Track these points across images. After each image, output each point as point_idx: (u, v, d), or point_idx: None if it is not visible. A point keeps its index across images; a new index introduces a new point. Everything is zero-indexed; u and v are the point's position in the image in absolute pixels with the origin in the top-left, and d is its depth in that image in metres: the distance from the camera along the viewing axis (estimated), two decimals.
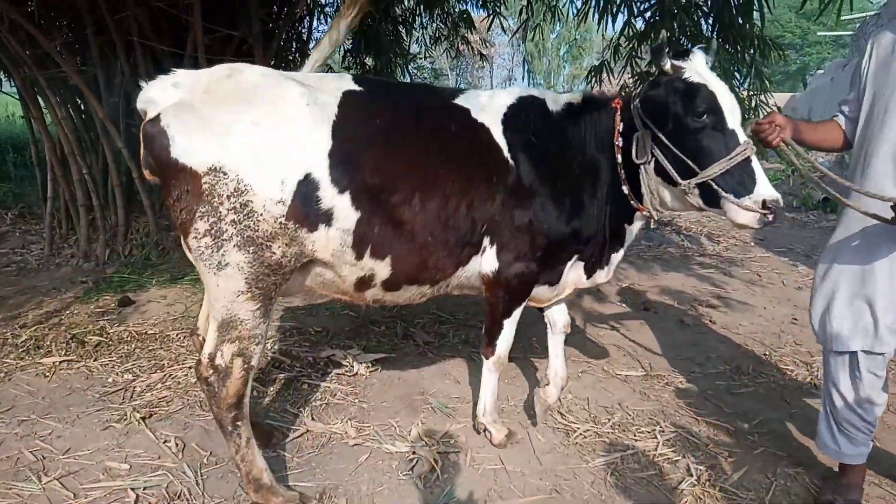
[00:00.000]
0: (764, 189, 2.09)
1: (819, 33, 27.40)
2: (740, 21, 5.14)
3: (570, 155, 2.45)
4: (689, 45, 5.21)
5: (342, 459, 2.63)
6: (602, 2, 5.38)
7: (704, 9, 5.22)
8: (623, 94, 2.58)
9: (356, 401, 3.15)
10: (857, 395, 2.29)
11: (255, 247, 2.06)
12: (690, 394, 3.34)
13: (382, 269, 2.31)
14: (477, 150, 2.37)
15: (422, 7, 7.73)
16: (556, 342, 2.98)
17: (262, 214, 2.04)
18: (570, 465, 2.64)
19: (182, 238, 2.12)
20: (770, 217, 2.07)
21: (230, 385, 2.15)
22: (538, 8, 6.97)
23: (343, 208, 2.15)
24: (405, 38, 8.65)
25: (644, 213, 2.44)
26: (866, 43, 2.32)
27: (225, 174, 2.00)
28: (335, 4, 7.79)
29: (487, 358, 2.71)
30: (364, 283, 2.34)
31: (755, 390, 3.40)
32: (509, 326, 2.64)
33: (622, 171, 2.40)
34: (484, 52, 10.68)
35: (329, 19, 8.22)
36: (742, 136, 2.16)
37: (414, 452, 2.65)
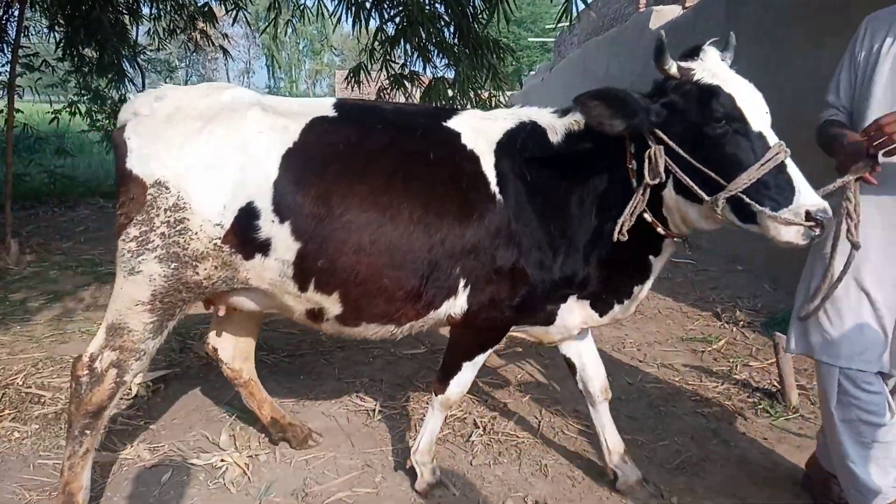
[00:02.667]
0: (806, 197, 1.75)
1: (529, 39, 31.54)
2: (477, 28, 5.80)
3: (569, 188, 2.13)
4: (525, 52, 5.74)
5: (142, 483, 2.47)
6: (353, 6, 5.62)
7: (446, 18, 5.76)
8: None
9: (142, 423, 2.94)
10: None
11: (177, 263, 2.04)
12: None
13: (332, 305, 2.17)
14: (456, 182, 2.12)
15: None
16: (600, 413, 2.55)
17: (196, 234, 2.03)
18: (377, 440, 2.85)
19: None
20: (817, 231, 1.73)
21: (97, 393, 2.11)
22: (285, 5, 6.97)
23: (282, 239, 2.06)
24: (130, 28, 7.95)
25: (675, 238, 2.09)
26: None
27: (167, 189, 2.02)
28: None
29: (436, 395, 2.42)
30: (315, 315, 2.23)
31: (514, 351, 3.98)
32: (468, 370, 2.37)
33: (642, 197, 1.99)
34: (224, 47, 10.20)
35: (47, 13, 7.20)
36: (773, 138, 1.82)
37: (222, 460, 2.60)
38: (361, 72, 6.20)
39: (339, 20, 5.67)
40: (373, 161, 2.12)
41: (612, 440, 2.55)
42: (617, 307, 2.28)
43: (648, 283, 2.24)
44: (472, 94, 5.73)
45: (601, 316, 2.30)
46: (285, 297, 2.18)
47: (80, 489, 2.15)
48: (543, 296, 2.19)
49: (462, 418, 3.07)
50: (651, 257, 2.17)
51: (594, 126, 1.92)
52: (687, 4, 9.50)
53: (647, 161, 1.91)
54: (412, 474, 2.51)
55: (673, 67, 1.90)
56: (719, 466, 2.73)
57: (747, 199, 1.76)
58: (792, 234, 1.75)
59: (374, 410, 3.12)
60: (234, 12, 7.11)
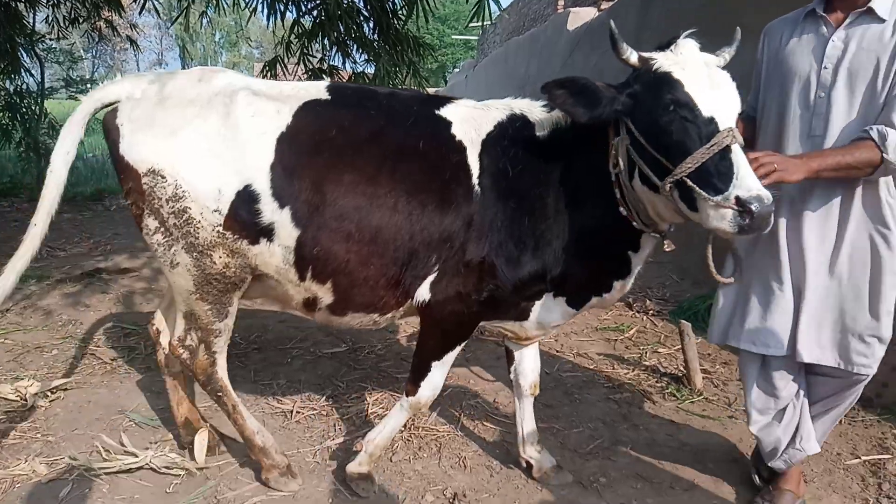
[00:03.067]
0: (742, 183, 1.68)
1: (453, 36, 31.79)
2: (397, 24, 5.77)
3: (547, 185, 2.10)
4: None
5: (36, 500, 2.31)
6: None
7: (365, 13, 5.70)
8: None
9: (38, 436, 2.76)
10: None
11: (197, 253, 2.08)
12: (388, 357, 3.76)
13: (325, 294, 2.16)
14: (441, 171, 2.10)
15: None
16: (524, 406, 2.60)
17: (199, 222, 2.05)
18: (294, 442, 2.79)
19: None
20: (747, 220, 1.66)
21: (199, 363, 2.33)
22: None
23: (284, 224, 2.06)
24: (26, 14, 7.43)
25: (651, 233, 2.06)
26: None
27: (163, 178, 2.03)
28: None
29: (407, 396, 2.36)
30: (310, 304, 2.23)
31: None
32: (438, 370, 2.31)
33: (618, 191, 2.00)
34: (132, 37, 9.70)
35: None
36: (724, 123, 1.77)
37: (129, 470, 2.47)
38: (278, 65, 6.05)
39: (253, 11, 5.49)
40: (364, 148, 2.10)
41: (528, 430, 2.61)
42: (595, 299, 2.28)
43: (630, 280, 2.23)
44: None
45: (578, 309, 2.31)
46: (287, 285, 2.19)
47: (254, 432, 2.41)
48: (513, 292, 2.15)
49: (382, 416, 3.05)
50: (630, 253, 2.14)
51: (564, 113, 1.96)
52: (602, 7, 9.84)
53: (611, 151, 1.94)
54: (347, 476, 2.47)
55: (633, 57, 1.87)
56: (629, 449, 2.85)
57: (689, 183, 1.73)
58: (720, 221, 1.70)
59: (291, 412, 3.06)
60: (142, 1, 6.76)
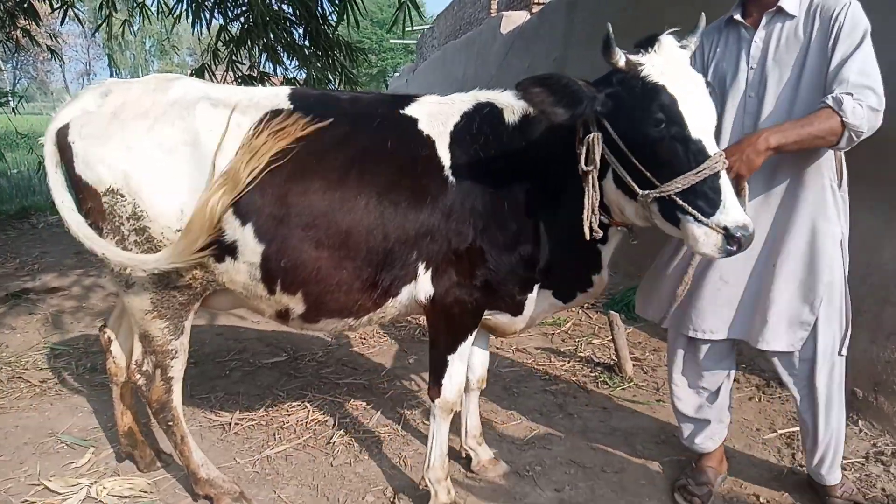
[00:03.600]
0: (730, 213, 1.73)
1: (392, 40, 31.76)
2: (327, 31, 5.76)
3: (523, 170, 2.10)
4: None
5: None
6: (193, 5, 5.37)
7: (294, 19, 5.67)
8: None
9: None
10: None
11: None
12: (329, 363, 3.78)
13: (297, 305, 2.15)
14: (412, 168, 2.10)
15: None
16: (469, 400, 2.64)
17: (161, 241, 2.03)
18: (233, 453, 2.77)
19: None
20: (734, 248, 1.74)
21: (154, 391, 2.30)
22: (121, 2, 6.52)
23: (247, 241, 2.04)
24: None
25: (619, 227, 2.12)
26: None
27: (122, 196, 2.00)
28: None
29: (433, 400, 2.31)
30: (283, 315, 2.22)
31: (380, 349, 4.04)
32: (457, 363, 2.28)
33: (587, 186, 1.98)
34: (53, 47, 9.31)
35: None
36: (712, 147, 1.79)
37: (59, 493, 2.41)
38: (205, 73, 5.94)
39: (177, 19, 5.38)
40: (329, 154, 2.07)
41: (471, 424, 2.68)
42: (580, 295, 2.33)
43: (604, 272, 2.26)
44: None
45: (565, 302, 2.34)
46: (257, 300, 2.19)
47: (199, 465, 2.37)
48: (506, 275, 2.16)
49: (323, 421, 3.08)
50: (599, 245, 2.16)
51: (540, 113, 1.88)
52: (533, 11, 10.07)
53: (584, 147, 1.88)
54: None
55: (621, 60, 1.82)
56: (563, 438, 2.96)
57: (679, 202, 1.75)
58: (706, 245, 1.74)
59: (229, 424, 3.03)
60: (62, 10, 6.51)
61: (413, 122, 2.16)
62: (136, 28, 6.76)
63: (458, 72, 11.83)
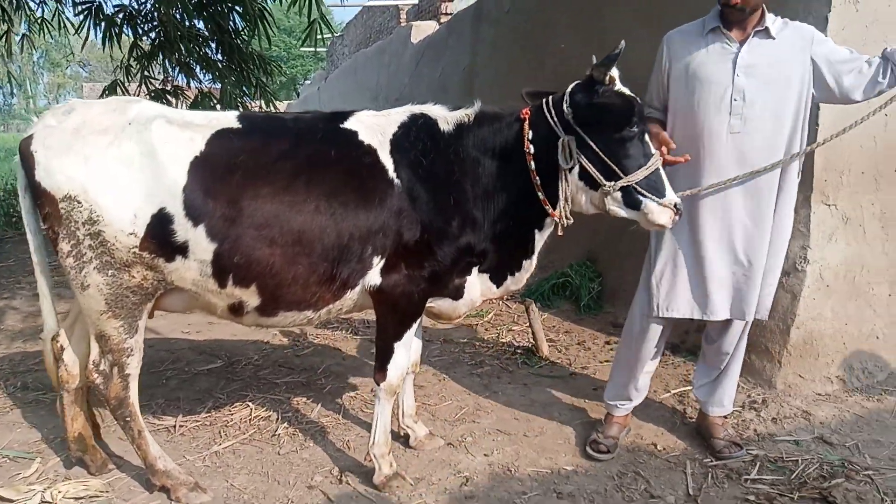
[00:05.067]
0: (672, 193, 2.33)
1: (301, 48, 31.47)
2: (241, 45, 5.86)
3: (462, 171, 2.41)
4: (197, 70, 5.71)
5: None
6: (102, 21, 5.33)
7: (206, 34, 5.74)
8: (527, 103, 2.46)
9: None
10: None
11: (113, 270, 2.23)
12: (266, 366, 3.94)
13: (251, 297, 2.34)
14: (357, 173, 2.34)
15: None
16: (406, 383, 2.88)
17: (114, 244, 2.20)
18: (180, 452, 2.90)
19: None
20: (677, 217, 2.32)
21: (112, 388, 2.42)
22: (18, 17, 6.31)
23: (198, 240, 2.22)
24: None
25: (555, 218, 2.42)
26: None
27: (79, 202, 2.17)
28: None
29: (378, 384, 2.55)
30: (237, 309, 2.39)
31: (314, 349, 4.23)
32: (401, 350, 2.53)
33: (537, 178, 2.36)
34: None
35: None
36: (652, 146, 2.36)
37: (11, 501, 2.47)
38: (118, 88, 5.89)
39: (87, 36, 5.33)
40: (277, 163, 2.30)
41: (408, 405, 2.96)
42: (510, 279, 2.62)
43: (534, 258, 2.60)
44: (239, 108, 5.78)
45: (498, 287, 2.63)
46: (207, 294, 2.34)
47: (156, 458, 2.51)
48: (451, 265, 2.44)
49: (266, 417, 3.25)
50: (536, 231, 2.52)
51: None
52: (441, 21, 10.47)
53: (561, 149, 2.29)
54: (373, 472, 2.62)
55: (615, 73, 2.28)
56: (490, 412, 3.30)
57: (640, 189, 2.27)
58: (665, 219, 2.29)
59: (174, 426, 3.15)
60: None
61: (353, 133, 2.41)
62: (16, 38, 6.54)
63: (371, 80, 12.06)
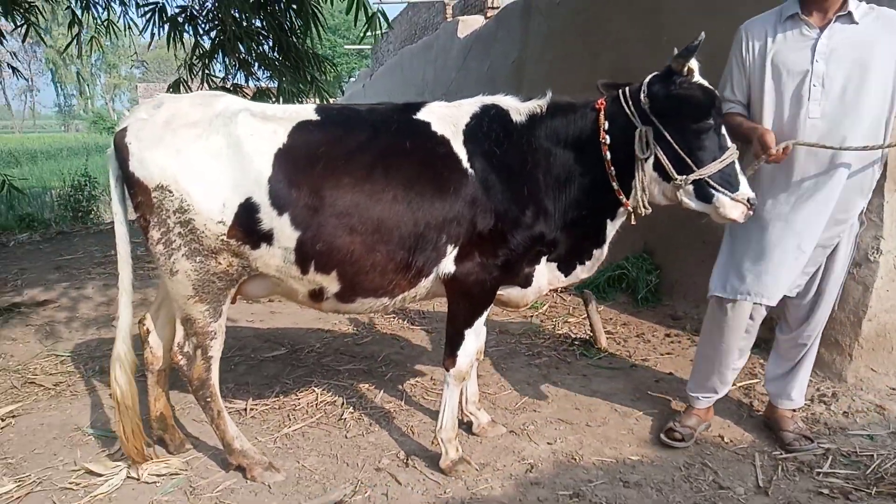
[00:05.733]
0: (746, 188, 2.30)
1: (346, 47, 31.86)
2: (296, 43, 6.00)
3: (535, 160, 2.44)
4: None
5: None
6: (166, 22, 5.54)
7: (264, 32, 5.89)
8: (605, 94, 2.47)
9: None
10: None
11: (201, 257, 2.33)
12: (328, 353, 4.04)
13: (331, 284, 2.42)
14: (432, 163, 2.39)
15: None
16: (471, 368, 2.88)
17: (203, 232, 2.30)
18: (252, 433, 2.99)
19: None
20: (751, 213, 2.32)
21: (195, 370, 2.53)
22: (86, 20, 6.60)
23: (283, 229, 2.30)
24: None
25: (628, 207, 2.44)
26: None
27: (171, 192, 2.27)
28: None
29: (448, 370, 2.60)
30: (317, 295, 2.47)
31: (373, 338, 4.32)
32: (471, 337, 2.58)
33: (612, 168, 2.38)
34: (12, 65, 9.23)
35: None
36: (729, 139, 2.34)
37: (100, 475, 2.61)
38: (181, 86, 6.11)
39: (152, 37, 5.55)
40: (356, 154, 2.36)
41: (471, 391, 3.01)
42: (579, 267, 2.65)
43: (605, 248, 2.61)
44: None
45: (567, 276, 2.66)
46: (290, 280, 2.43)
47: (233, 438, 2.62)
48: (523, 253, 2.47)
49: (332, 402, 3.35)
50: (608, 220, 2.55)
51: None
52: (488, 15, 10.45)
53: (637, 138, 2.31)
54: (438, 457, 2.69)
55: (694, 65, 2.27)
56: (551, 402, 3.31)
57: (713, 182, 2.26)
58: (737, 214, 2.29)
59: (245, 409, 3.27)
60: (24, 28, 6.55)
61: (426, 124, 2.47)
62: (105, 44, 6.83)
63: (417, 76, 12.13)
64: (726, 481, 2.60)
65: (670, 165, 2.30)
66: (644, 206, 2.40)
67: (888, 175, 3.31)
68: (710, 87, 2.32)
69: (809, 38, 2.48)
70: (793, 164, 2.54)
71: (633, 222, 2.49)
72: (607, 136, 2.37)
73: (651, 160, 2.33)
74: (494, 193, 2.41)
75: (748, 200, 2.30)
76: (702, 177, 2.27)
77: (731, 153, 2.31)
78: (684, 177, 2.28)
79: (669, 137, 2.29)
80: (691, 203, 2.34)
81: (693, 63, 2.27)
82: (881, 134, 2.50)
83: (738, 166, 2.32)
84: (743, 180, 2.32)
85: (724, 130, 2.34)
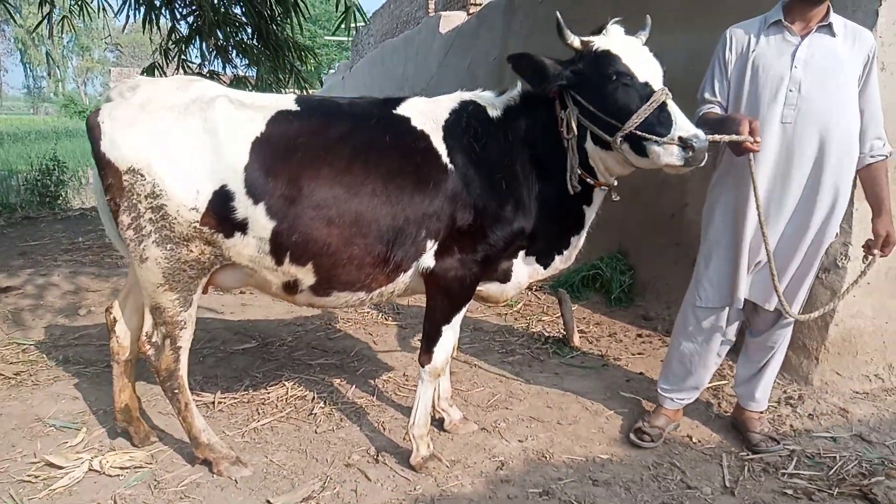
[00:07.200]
0: (681, 127, 2.13)
1: (326, 38, 31.57)
2: (276, 30, 5.91)
3: (511, 155, 2.44)
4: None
5: None
6: (143, 4, 5.42)
7: (243, 19, 5.80)
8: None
9: None
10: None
11: (172, 244, 2.27)
12: (299, 347, 3.99)
13: (306, 276, 2.37)
14: (412, 158, 2.37)
15: None
16: None
17: (175, 218, 2.24)
18: (220, 427, 2.94)
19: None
20: (690, 153, 2.10)
21: (163, 360, 2.48)
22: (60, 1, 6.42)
23: (258, 218, 2.25)
24: None
25: (602, 186, 2.44)
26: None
27: (143, 176, 2.20)
28: None
29: (423, 366, 2.59)
30: (291, 287, 2.42)
31: (345, 333, 4.28)
32: (448, 333, 2.58)
33: (572, 154, 2.37)
34: None
35: None
36: (658, 85, 2.21)
37: (60, 468, 2.54)
38: (155, 71, 5.98)
39: (127, 20, 5.43)
40: (336, 146, 2.33)
41: (443, 388, 2.98)
42: (558, 258, 2.63)
43: (583, 233, 2.60)
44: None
45: (546, 268, 2.65)
46: (264, 271, 2.39)
47: (200, 431, 2.56)
48: (503, 248, 2.47)
49: (302, 396, 3.30)
50: (585, 207, 2.52)
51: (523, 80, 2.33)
52: (470, 11, 10.43)
53: (561, 121, 2.32)
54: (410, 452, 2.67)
55: (575, 41, 2.27)
56: (523, 400, 3.31)
57: (641, 133, 2.14)
58: (669, 156, 2.12)
59: (213, 403, 3.21)
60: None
61: (406, 119, 2.45)
62: (78, 25, 6.63)
63: (398, 70, 12.07)
64: (694, 481, 2.63)
65: (601, 132, 2.25)
66: (609, 182, 2.41)
67: (857, 182, 3.39)
68: (604, 49, 2.25)
69: (791, 45, 2.52)
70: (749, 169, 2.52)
71: (614, 198, 2.47)
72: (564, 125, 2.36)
73: (588, 135, 2.32)
74: (474, 188, 2.40)
75: (679, 139, 2.11)
76: (627, 131, 2.16)
77: (655, 98, 2.16)
78: (615, 137, 2.20)
79: (592, 108, 2.24)
80: (638, 162, 2.25)
81: (574, 39, 2.28)
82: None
83: (672, 108, 2.18)
84: (680, 121, 2.15)
85: (644, 79, 2.22)
